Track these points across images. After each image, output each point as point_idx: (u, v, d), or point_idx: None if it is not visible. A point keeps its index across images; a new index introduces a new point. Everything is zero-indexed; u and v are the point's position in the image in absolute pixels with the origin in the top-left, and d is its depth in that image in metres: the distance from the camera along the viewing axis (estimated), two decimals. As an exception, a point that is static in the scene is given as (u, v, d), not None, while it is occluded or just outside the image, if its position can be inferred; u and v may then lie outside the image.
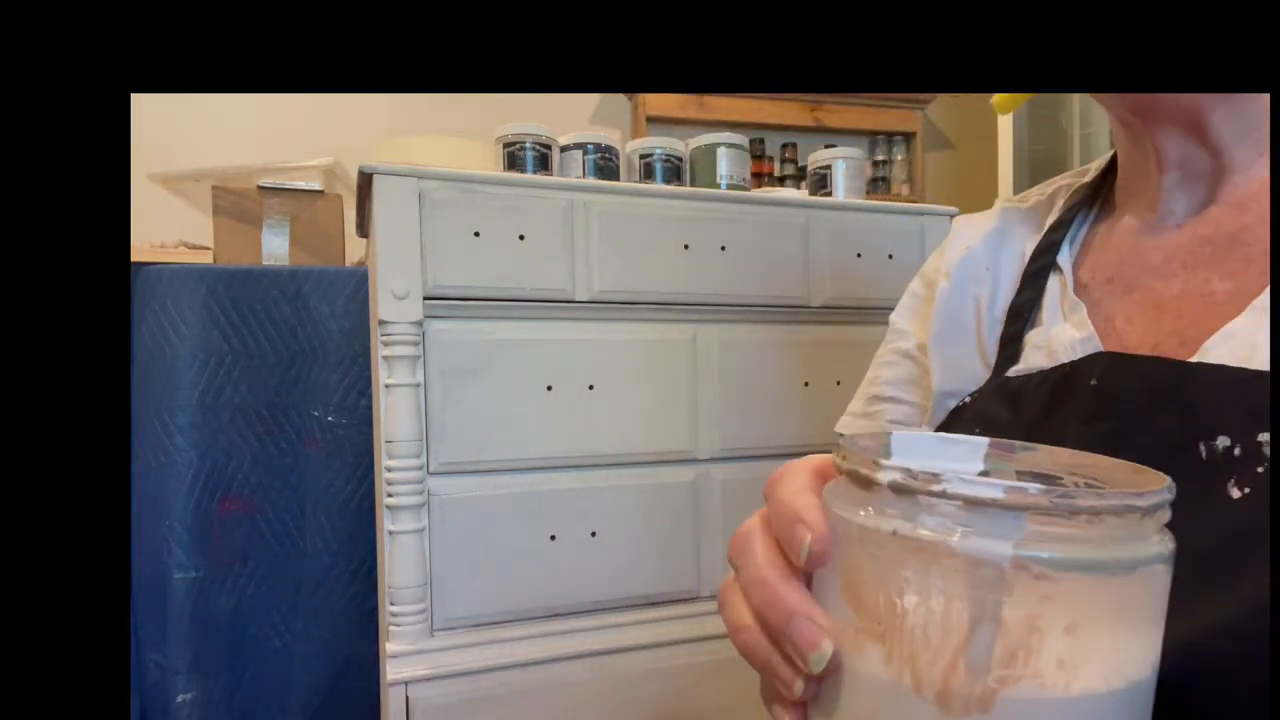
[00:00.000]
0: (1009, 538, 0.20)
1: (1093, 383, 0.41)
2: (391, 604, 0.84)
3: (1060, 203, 0.53)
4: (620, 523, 0.92)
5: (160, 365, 1.21)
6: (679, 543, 0.95)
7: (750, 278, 0.98)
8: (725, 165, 1.13)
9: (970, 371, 0.51)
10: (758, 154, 2.84)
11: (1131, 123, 0.45)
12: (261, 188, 1.42)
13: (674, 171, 1.13)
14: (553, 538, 0.90)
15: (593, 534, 0.91)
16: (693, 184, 1.15)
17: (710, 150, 1.13)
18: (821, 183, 1.20)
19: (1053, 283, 0.49)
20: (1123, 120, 0.46)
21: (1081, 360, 0.43)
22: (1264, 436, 0.34)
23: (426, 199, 0.85)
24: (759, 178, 2.79)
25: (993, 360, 0.50)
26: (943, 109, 3.15)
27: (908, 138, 3.03)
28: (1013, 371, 0.47)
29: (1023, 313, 0.49)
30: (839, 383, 1.02)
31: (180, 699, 1.21)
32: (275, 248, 1.41)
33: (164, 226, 1.79)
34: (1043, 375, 0.44)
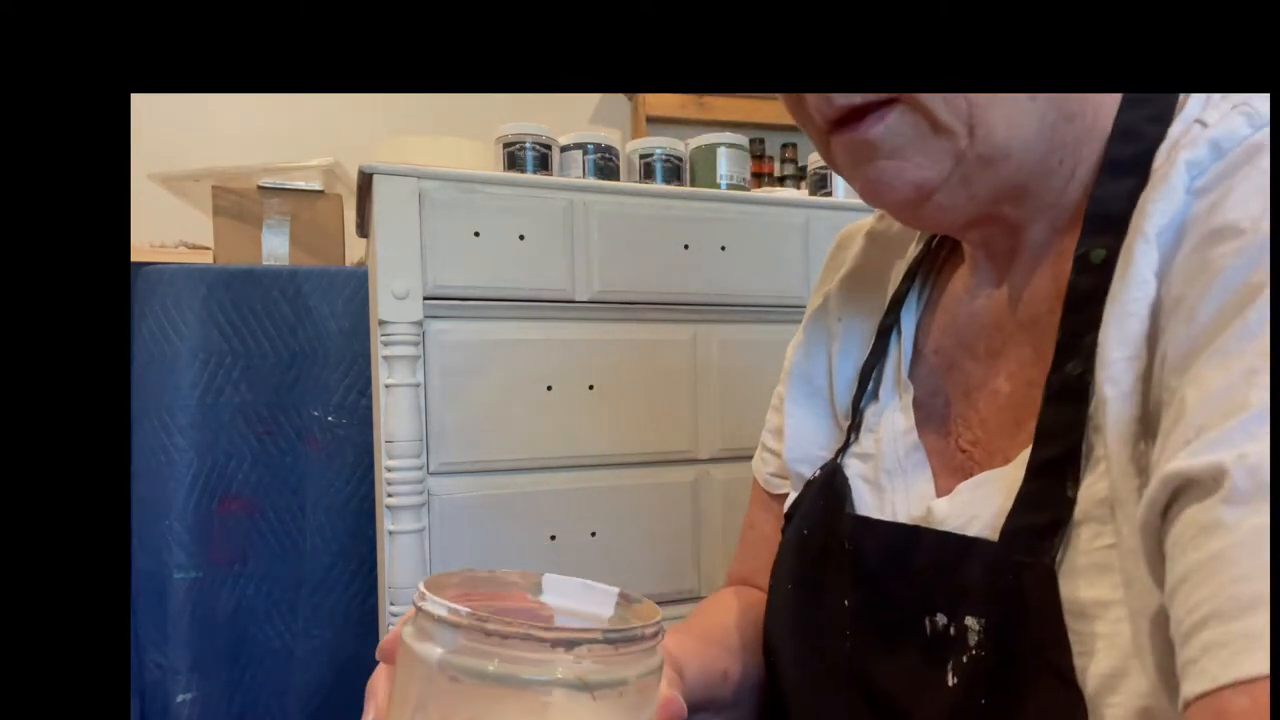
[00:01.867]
0: (445, 646, 0.26)
1: (848, 546, 0.42)
2: (391, 604, 0.84)
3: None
4: (620, 523, 0.92)
5: (160, 365, 1.21)
6: (679, 543, 0.95)
7: (750, 278, 0.98)
8: (725, 165, 1.13)
9: (822, 433, 0.51)
10: (758, 154, 2.83)
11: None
12: (261, 188, 1.42)
13: (674, 171, 1.13)
14: (553, 538, 0.90)
15: (593, 534, 0.91)
16: (693, 184, 1.15)
17: (710, 150, 1.13)
18: (821, 183, 1.20)
19: (893, 349, 0.48)
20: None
21: (841, 519, 0.43)
22: (969, 620, 0.34)
23: (426, 199, 0.85)
24: (759, 178, 2.79)
25: (845, 423, 0.49)
26: (943, 109, 3.15)
27: (908, 138, 3.02)
28: (850, 453, 0.47)
29: (868, 378, 0.48)
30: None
31: (180, 699, 1.21)
32: (275, 248, 1.41)
33: (164, 226, 1.79)
34: (854, 495, 0.45)
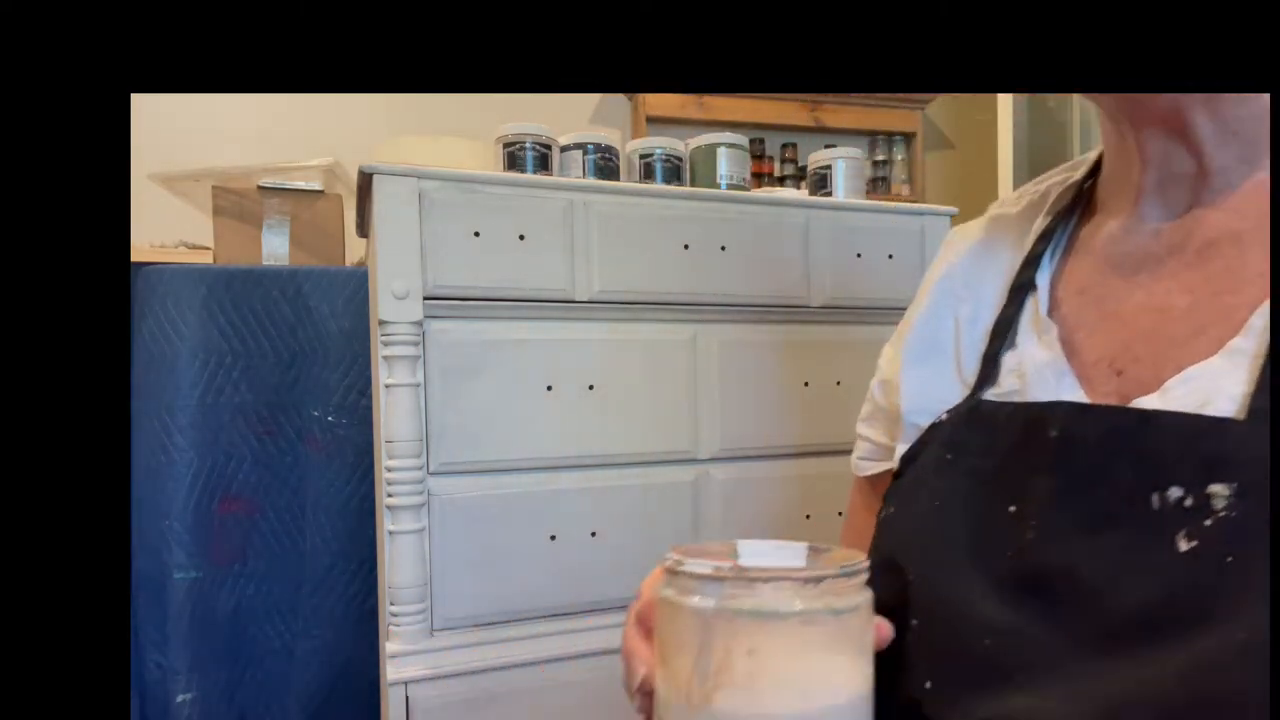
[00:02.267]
0: (715, 597, 0.33)
1: (1053, 434, 0.41)
2: (391, 604, 0.84)
3: (1051, 200, 0.53)
4: (620, 523, 0.92)
5: (160, 365, 1.21)
6: (679, 542, 0.95)
7: (750, 278, 0.98)
8: (725, 165, 1.13)
9: (945, 391, 0.51)
10: (758, 154, 2.83)
11: (1117, 119, 0.45)
12: (261, 188, 1.42)
13: (674, 171, 1.13)
14: (553, 538, 0.90)
15: (593, 534, 0.91)
16: (693, 184, 1.15)
17: (710, 150, 1.13)
18: (821, 183, 1.20)
19: (1029, 301, 0.49)
20: (1110, 116, 0.46)
21: (1044, 407, 0.43)
22: (1215, 488, 0.35)
23: (426, 199, 0.85)
24: (759, 178, 2.79)
25: (972, 380, 0.50)
26: (943, 109, 3.15)
27: (908, 138, 3.03)
28: (988, 394, 0.47)
29: (1002, 331, 0.49)
30: (839, 383, 1.02)
31: (180, 699, 1.21)
32: (275, 248, 1.41)
33: (164, 226, 1.79)
34: (1012, 411, 0.44)
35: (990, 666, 0.39)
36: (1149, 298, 0.43)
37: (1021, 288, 0.49)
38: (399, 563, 0.83)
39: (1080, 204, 0.51)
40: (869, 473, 0.58)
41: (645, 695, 0.39)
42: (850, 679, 0.34)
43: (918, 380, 0.52)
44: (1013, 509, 0.41)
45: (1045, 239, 0.50)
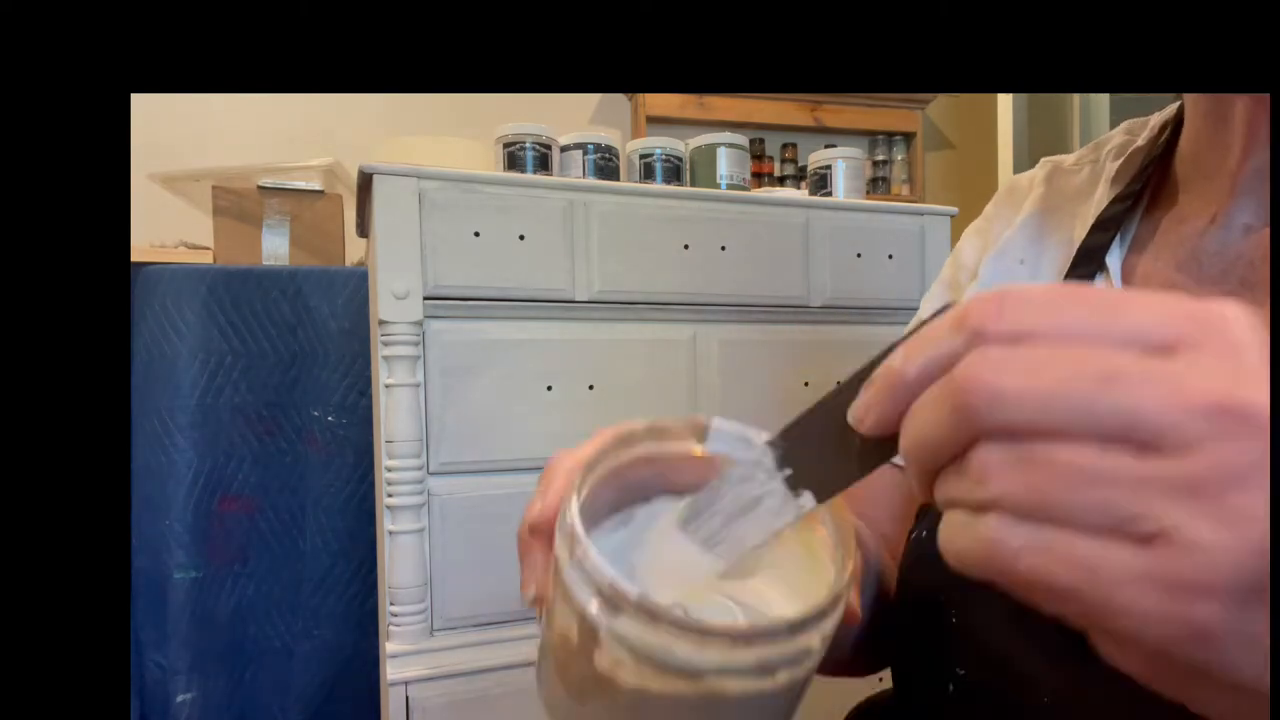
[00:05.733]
0: (610, 617, 0.25)
1: None
2: (391, 604, 0.84)
3: (1111, 168, 0.46)
4: (620, 523, 0.92)
5: (160, 365, 1.21)
6: (679, 543, 0.95)
7: (750, 278, 0.98)
8: (725, 165, 1.13)
9: None
10: (758, 154, 2.83)
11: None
12: (261, 188, 1.42)
13: (674, 171, 1.13)
14: (553, 538, 0.90)
15: (593, 534, 0.91)
16: (693, 184, 1.15)
17: (710, 150, 1.13)
18: (821, 183, 1.20)
19: (1100, 286, 0.42)
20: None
21: None
22: None
23: (426, 199, 0.85)
24: (759, 178, 2.79)
25: None
26: (943, 109, 3.15)
27: (908, 138, 3.03)
28: None
29: None
30: (839, 383, 1.02)
31: (180, 699, 1.21)
32: (275, 248, 1.41)
33: (164, 226, 1.79)
34: None
35: None
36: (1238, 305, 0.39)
37: (1086, 275, 0.43)
38: (399, 563, 0.83)
39: (1152, 181, 0.45)
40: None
41: (535, 606, 0.32)
42: None
43: None
44: None
45: (1112, 223, 0.44)
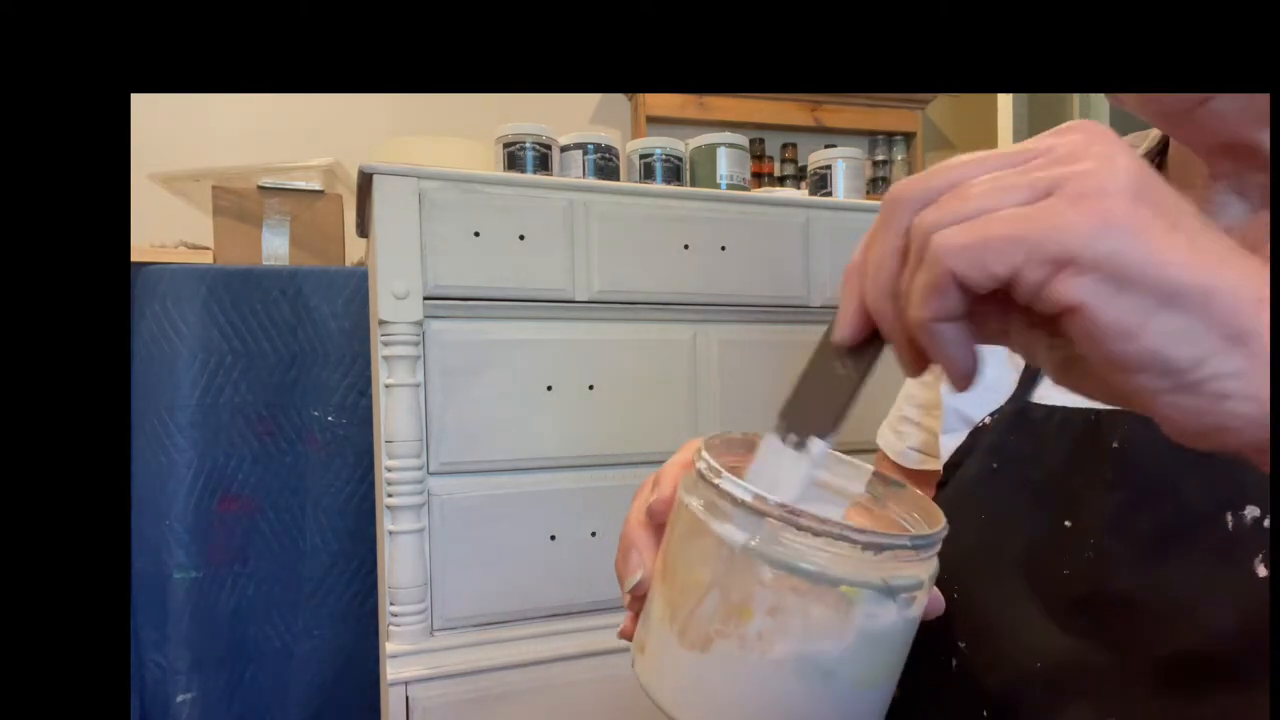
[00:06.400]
0: (750, 532, 0.27)
1: (1114, 445, 0.37)
2: (391, 604, 0.84)
3: None
4: (620, 523, 0.92)
5: (160, 365, 1.21)
6: (679, 543, 0.95)
7: (750, 278, 0.98)
8: (725, 165, 1.13)
9: (993, 378, 0.46)
10: (758, 154, 2.83)
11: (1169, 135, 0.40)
12: (261, 188, 1.42)
13: (674, 171, 1.13)
14: (553, 538, 0.90)
15: (593, 534, 0.91)
16: (693, 184, 1.15)
17: (710, 150, 1.13)
18: (821, 183, 1.20)
19: None
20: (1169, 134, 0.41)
21: (1105, 415, 0.39)
22: None
23: (426, 199, 0.85)
24: (759, 178, 2.79)
25: (1020, 365, 0.45)
26: (943, 109, 3.15)
27: (908, 138, 3.03)
28: (1037, 396, 0.43)
29: None
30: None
31: (180, 699, 1.21)
32: (275, 248, 1.41)
33: (164, 226, 1.79)
34: (1065, 418, 0.40)
35: (1044, 693, 0.35)
36: None
37: None
38: (399, 563, 0.83)
39: None
40: (917, 467, 0.53)
41: (637, 599, 0.34)
42: (879, 672, 0.29)
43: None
44: (1068, 523, 0.38)
45: None
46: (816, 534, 0.26)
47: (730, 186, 1.13)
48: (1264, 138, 0.37)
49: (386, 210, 0.83)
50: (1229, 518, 0.33)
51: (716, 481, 0.28)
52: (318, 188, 1.45)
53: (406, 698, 0.82)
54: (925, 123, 3.07)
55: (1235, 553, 0.32)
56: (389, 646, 0.83)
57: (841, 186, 1.19)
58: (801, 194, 1.25)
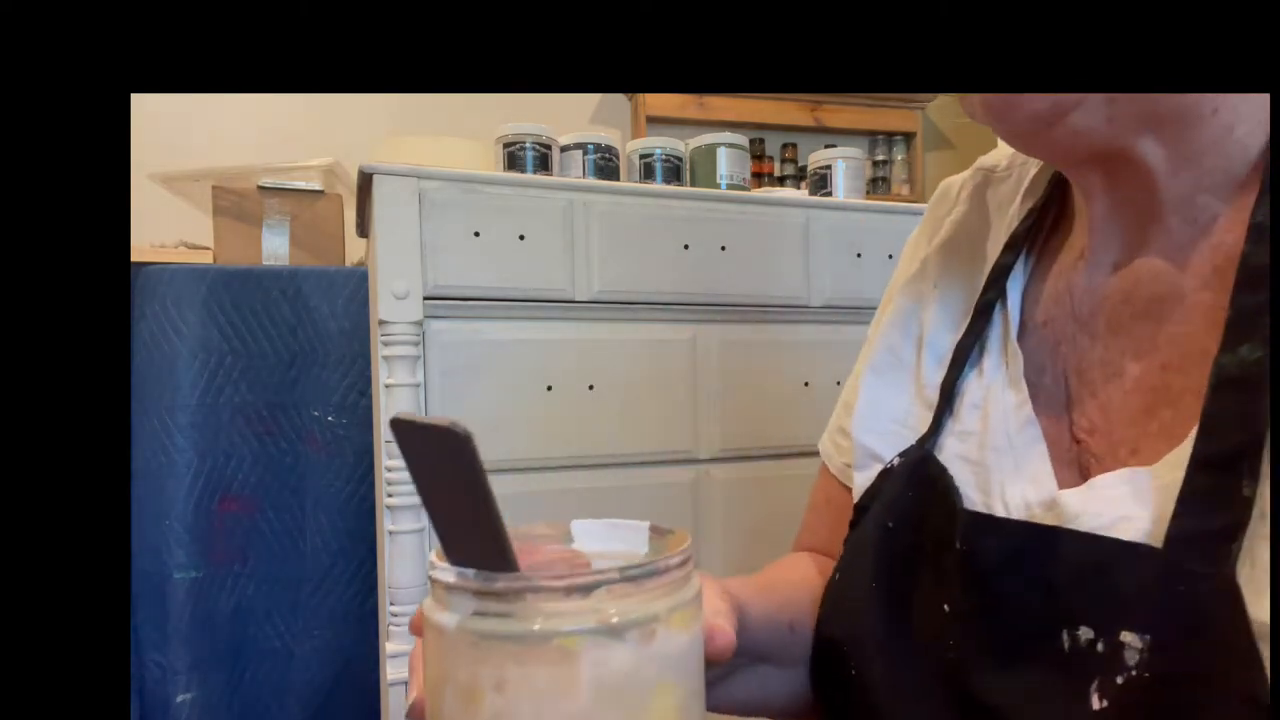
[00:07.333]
0: (459, 612, 0.25)
1: (959, 547, 0.37)
2: (391, 604, 0.84)
3: (1029, 175, 0.45)
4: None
5: (160, 365, 1.21)
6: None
7: (750, 278, 0.98)
8: (725, 165, 1.13)
9: (900, 407, 0.45)
10: (758, 154, 2.83)
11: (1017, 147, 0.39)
12: (261, 188, 1.42)
13: (674, 171, 1.13)
14: (553, 538, 0.90)
15: (593, 534, 0.91)
16: (693, 184, 1.15)
17: (710, 150, 1.14)
18: (821, 183, 1.20)
19: (997, 321, 0.43)
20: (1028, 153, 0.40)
21: (941, 514, 0.39)
22: (1128, 636, 0.29)
23: (426, 199, 0.85)
24: (759, 178, 2.79)
25: (934, 399, 0.43)
26: (943, 109, 3.15)
27: (908, 138, 3.03)
28: (945, 434, 0.42)
29: (964, 356, 0.43)
30: (839, 383, 1.02)
31: (180, 699, 1.21)
32: (275, 248, 1.41)
33: (164, 226, 1.79)
34: (948, 487, 0.39)
35: None
36: (1105, 353, 0.38)
37: (988, 306, 0.43)
38: (399, 563, 0.83)
39: (1055, 203, 0.44)
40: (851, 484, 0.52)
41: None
42: (650, 715, 0.26)
43: (874, 394, 0.47)
44: (946, 608, 0.37)
45: (1016, 246, 0.43)
46: (518, 593, 0.24)
47: (730, 186, 1.13)
48: (1147, 145, 0.35)
49: (386, 210, 0.83)
50: (1065, 637, 0.32)
51: (431, 573, 0.27)
52: (318, 188, 1.45)
53: (406, 698, 0.82)
54: (925, 123, 3.07)
55: (1074, 677, 0.31)
56: (389, 646, 0.83)
57: (841, 186, 1.19)
58: (801, 194, 1.25)
